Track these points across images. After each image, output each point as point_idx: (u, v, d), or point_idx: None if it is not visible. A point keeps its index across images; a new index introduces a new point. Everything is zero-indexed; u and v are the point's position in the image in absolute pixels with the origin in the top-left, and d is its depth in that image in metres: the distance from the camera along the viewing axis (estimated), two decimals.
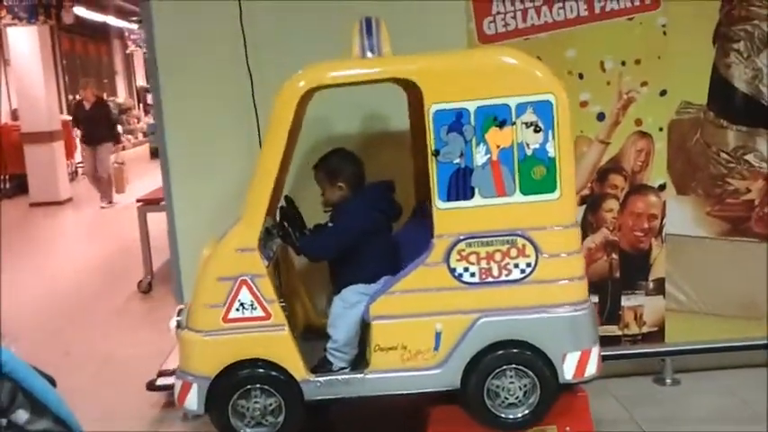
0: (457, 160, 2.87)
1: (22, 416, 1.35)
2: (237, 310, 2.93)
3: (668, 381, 4.02)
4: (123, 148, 16.47)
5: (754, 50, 3.83)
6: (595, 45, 3.75)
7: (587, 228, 3.90)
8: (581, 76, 3.77)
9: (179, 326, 3.08)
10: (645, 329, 4.01)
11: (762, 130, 3.89)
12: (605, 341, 3.87)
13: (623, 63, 3.77)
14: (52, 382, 1.43)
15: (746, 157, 3.92)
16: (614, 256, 3.93)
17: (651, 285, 3.98)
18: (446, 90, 2.86)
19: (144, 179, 10.45)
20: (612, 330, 3.98)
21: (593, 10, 3.75)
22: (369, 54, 2.96)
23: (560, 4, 3.74)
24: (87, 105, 10.55)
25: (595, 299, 3.91)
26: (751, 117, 3.89)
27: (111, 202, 10.77)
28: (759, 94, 3.87)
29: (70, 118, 12.31)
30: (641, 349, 4.03)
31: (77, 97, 11.08)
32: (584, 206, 3.88)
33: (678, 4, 3.76)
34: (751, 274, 3.98)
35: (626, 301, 3.97)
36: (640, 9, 3.76)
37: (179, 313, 3.12)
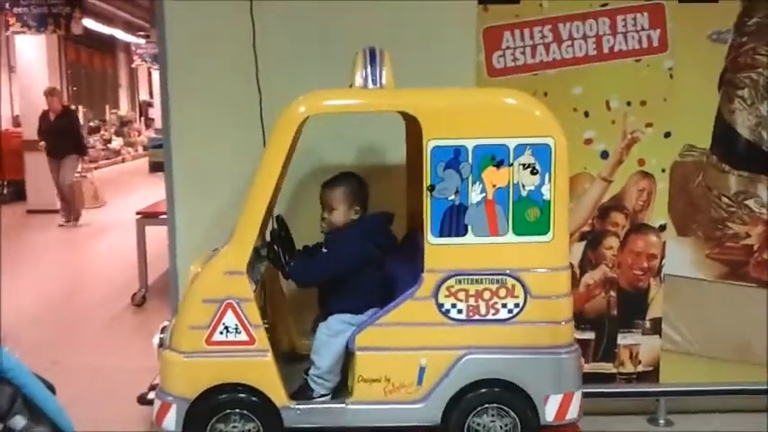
0: (452, 197, 2.87)
1: (19, 422, 1.34)
2: (221, 333, 2.91)
3: (661, 421, 4.01)
4: (94, 163, 16.26)
5: (758, 98, 3.85)
6: (602, 84, 3.77)
7: (586, 264, 3.90)
8: (586, 114, 3.79)
9: (161, 344, 3.06)
10: (640, 368, 4.00)
11: (763, 176, 3.91)
12: (600, 378, 3.91)
13: (629, 103, 3.79)
14: (52, 389, 1.42)
15: (747, 203, 3.93)
16: (612, 293, 3.92)
17: (648, 325, 3.97)
18: (445, 126, 2.86)
19: (141, 192, 10.44)
20: (608, 368, 3.97)
21: (602, 50, 3.78)
22: (370, 84, 2.97)
23: (569, 42, 3.76)
24: (52, 116, 10.02)
25: (592, 335, 3.93)
26: (753, 163, 3.91)
27: (71, 220, 10.15)
28: (761, 141, 3.89)
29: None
30: (636, 388, 4.02)
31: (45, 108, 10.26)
32: (585, 242, 3.88)
33: (685, 49, 3.78)
34: (748, 319, 3.98)
35: (622, 340, 3.96)
36: (648, 51, 3.78)
37: (162, 330, 3.10)
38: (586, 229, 3.87)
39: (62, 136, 9.82)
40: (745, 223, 3.93)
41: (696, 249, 3.94)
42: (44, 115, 10.22)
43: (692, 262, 3.94)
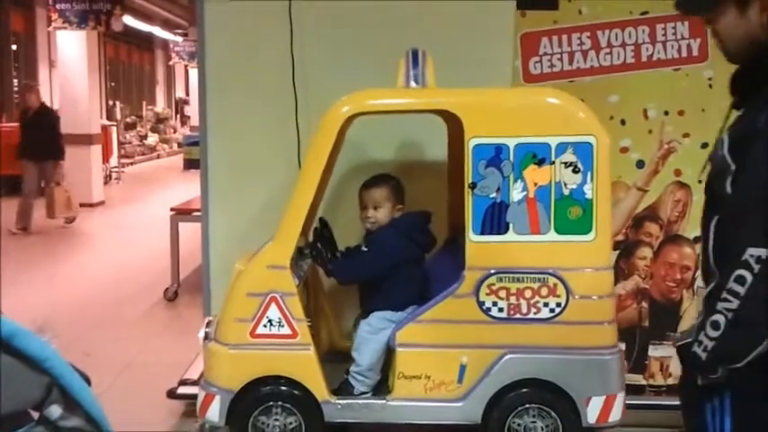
0: (493, 195, 2.89)
1: (55, 411, 1.37)
2: (265, 326, 2.95)
3: None
4: (129, 158, 16.14)
5: None
6: (640, 93, 3.74)
7: (619, 274, 3.85)
8: (623, 122, 3.76)
9: (207, 337, 3.11)
10: (670, 381, 3.94)
11: None
12: (629, 389, 3.82)
13: (666, 113, 3.75)
14: (87, 380, 1.45)
15: None
16: (644, 304, 3.88)
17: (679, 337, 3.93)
18: (487, 125, 2.89)
19: (176, 189, 10.55)
20: (637, 379, 3.91)
21: (641, 58, 3.75)
22: (413, 84, 2.99)
23: (608, 50, 3.74)
24: (30, 113, 9.40)
25: (622, 346, 3.86)
26: None
27: (22, 229, 9.03)
28: None
29: (110, 123, 12.35)
30: (665, 401, 3.95)
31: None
32: (618, 252, 3.85)
33: (725, 60, 3.74)
34: None
35: (653, 351, 3.90)
36: (688, 60, 3.75)
37: (208, 325, 3.15)
38: (620, 238, 3.83)
39: (38, 134, 9.22)
40: None
41: None
42: (24, 111, 9.76)
43: None
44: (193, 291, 5.88)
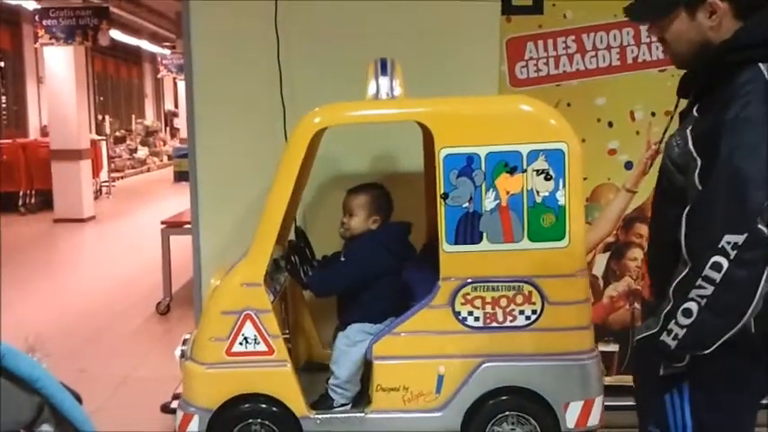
0: (466, 204, 2.88)
1: (46, 431, 1.37)
2: (241, 344, 2.94)
3: None
4: (120, 172, 15.87)
5: None
6: (626, 94, 3.74)
7: (610, 276, 3.86)
8: (610, 125, 3.76)
9: (183, 355, 3.10)
10: None
11: None
12: (623, 391, 3.81)
13: (653, 114, 3.75)
14: (78, 398, 1.45)
15: None
16: (636, 305, 3.88)
17: None
18: (457, 134, 2.88)
19: (166, 201, 10.54)
20: (631, 381, 3.92)
21: (626, 60, 3.75)
22: (383, 95, 2.99)
23: (593, 53, 3.75)
24: None
25: (616, 347, 3.88)
26: None
27: None
28: None
29: (99, 137, 12.27)
30: None
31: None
32: (608, 254, 3.85)
33: None
34: None
35: None
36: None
37: (184, 343, 3.14)
38: (610, 240, 3.83)
39: None
40: None
41: None
42: None
43: None
44: (186, 304, 5.88)
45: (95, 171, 12.85)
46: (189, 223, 4.07)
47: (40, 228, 10.80)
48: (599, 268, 3.81)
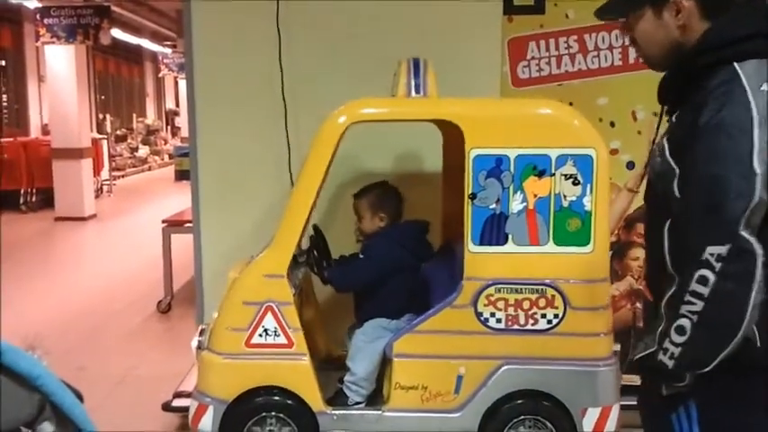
0: (493, 206, 2.88)
1: (47, 428, 1.36)
2: (261, 335, 2.93)
3: None
4: (120, 171, 15.78)
5: None
6: (628, 94, 3.76)
7: (612, 275, 3.84)
8: (612, 125, 3.79)
9: (200, 346, 3.08)
10: None
11: None
12: (626, 390, 3.82)
13: (655, 114, 3.75)
14: (79, 396, 1.44)
15: None
16: (638, 305, 3.89)
17: None
18: (488, 136, 2.88)
19: (167, 200, 10.51)
20: (633, 380, 3.92)
21: (627, 60, 3.77)
22: (413, 93, 2.99)
23: (595, 53, 3.77)
24: None
25: (617, 347, 3.86)
26: None
27: None
28: None
29: (100, 136, 12.20)
30: None
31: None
32: (610, 253, 3.85)
33: None
34: None
35: None
36: None
37: (201, 333, 3.12)
38: (612, 239, 3.83)
39: None
40: None
41: None
42: None
43: None
44: (187, 303, 5.84)
45: (96, 170, 12.81)
46: (190, 222, 4.07)
47: (41, 226, 10.73)
48: None
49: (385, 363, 3.06)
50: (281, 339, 2.93)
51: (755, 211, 1.63)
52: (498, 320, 2.92)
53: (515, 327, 2.91)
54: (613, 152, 3.80)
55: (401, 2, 3.72)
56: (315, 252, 3.20)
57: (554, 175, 2.87)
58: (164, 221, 6.48)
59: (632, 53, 3.73)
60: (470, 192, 2.87)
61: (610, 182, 3.67)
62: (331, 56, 3.77)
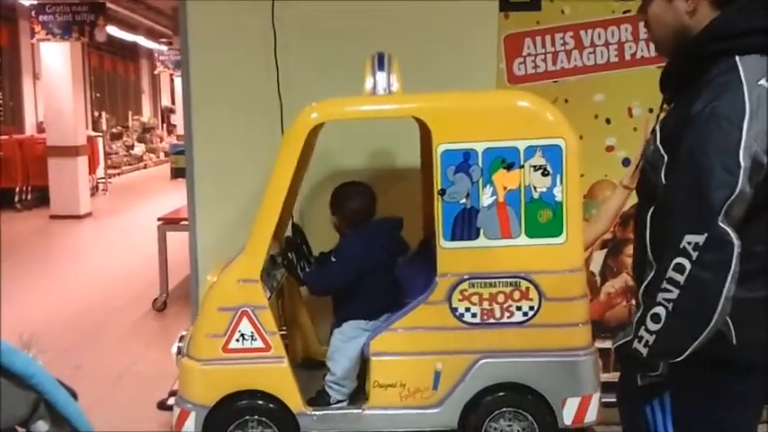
0: (463, 200, 2.87)
1: (42, 427, 1.37)
2: (237, 340, 2.93)
3: None
4: (116, 168, 15.89)
5: None
6: (624, 91, 3.74)
7: (608, 272, 3.86)
8: (608, 121, 3.76)
9: (180, 352, 3.09)
10: None
11: None
12: (608, 387, 3.84)
13: (651, 110, 3.75)
14: (74, 395, 1.45)
15: None
16: (634, 302, 3.88)
17: None
18: (455, 130, 2.87)
19: (163, 198, 10.53)
20: (615, 376, 3.93)
21: (624, 57, 3.76)
22: (380, 90, 2.97)
23: (591, 49, 3.75)
24: None
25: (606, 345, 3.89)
26: None
27: None
28: None
29: (96, 134, 12.22)
30: None
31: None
32: (606, 250, 3.84)
33: None
34: None
35: None
36: None
37: (181, 339, 3.14)
38: (608, 236, 3.82)
39: None
40: None
41: None
42: None
43: None
44: (182, 301, 5.88)
45: (92, 167, 12.82)
46: (186, 220, 4.07)
47: (37, 224, 10.77)
48: (596, 265, 3.81)
49: (365, 361, 3.07)
50: (258, 343, 2.94)
51: (736, 203, 1.64)
52: (474, 315, 2.92)
53: (491, 320, 2.91)
54: (609, 149, 3.78)
55: (398, 0, 3.71)
56: (291, 254, 3.20)
57: (523, 166, 2.85)
58: (159, 219, 6.51)
59: (628, 49, 3.76)
60: (439, 188, 2.86)
61: (604, 179, 3.74)
62: (327, 53, 3.76)
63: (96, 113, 17.94)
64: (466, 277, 2.90)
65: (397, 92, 2.98)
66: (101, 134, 15.35)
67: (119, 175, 16.39)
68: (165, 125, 23.67)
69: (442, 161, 2.86)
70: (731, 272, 1.63)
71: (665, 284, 1.68)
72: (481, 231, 2.88)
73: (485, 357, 2.92)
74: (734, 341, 1.74)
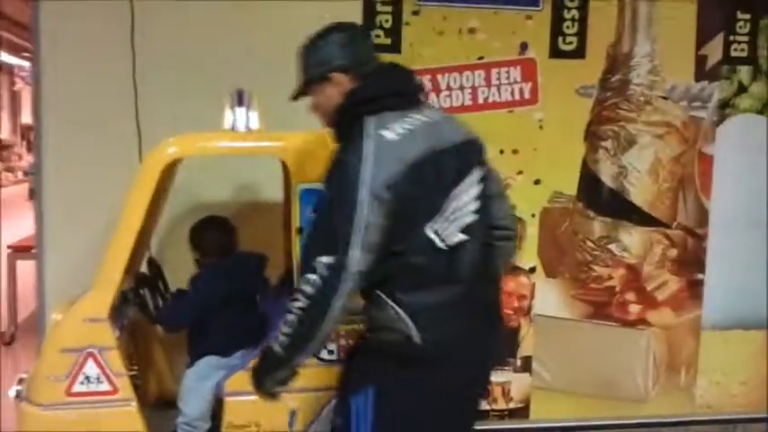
0: None
1: None
2: (82, 383, 2.80)
3: None
4: None
5: (619, 149, 4.15)
6: (477, 133, 3.87)
7: None
8: None
9: (18, 395, 2.91)
10: (512, 405, 4.15)
11: (624, 222, 4.18)
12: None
13: (501, 152, 3.94)
14: None
15: (610, 247, 4.19)
16: None
17: (519, 363, 4.15)
18: (313, 170, 2.84)
19: (20, 221, 9.92)
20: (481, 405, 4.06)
21: (477, 100, 3.97)
22: (240, 127, 2.95)
23: (447, 92, 3.94)
24: None
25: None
26: (615, 210, 4.19)
27: None
28: (623, 190, 4.17)
29: None
30: (508, 425, 4.13)
31: None
32: None
33: (554, 102, 4.03)
34: (611, 356, 4.22)
35: (494, 377, 4.06)
36: (520, 103, 4.02)
37: (20, 382, 2.95)
38: None
39: None
40: (607, 266, 4.19)
41: (563, 290, 4.16)
42: None
43: (559, 302, 4.16)
44: (33, 333, 5.55)
45: None
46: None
47: None
48: None
49: (219, 402, 2.99)
50: (105, 386, 2.81)
51: (362, 231, 2.04)
52: (330, 352, 2.91)
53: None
54: None
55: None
56: (143, 291, 3.09)
57: None
58: (9, 247, 6.17)
59: (481, 94, 3.98)
60: (297, 226, 2.85)
61: None
62: (190, 81, 3.66)
63: None
64: None
65: (257, 129, 2.96)
66: None
67: None
68: (25, 142, 22.48)
69: (302, 200, 2.85)
70: (339, 294, 2.05)
71: (297, 295, 2.12)
72: None
73: None
74: (419, 342, 2.13)
